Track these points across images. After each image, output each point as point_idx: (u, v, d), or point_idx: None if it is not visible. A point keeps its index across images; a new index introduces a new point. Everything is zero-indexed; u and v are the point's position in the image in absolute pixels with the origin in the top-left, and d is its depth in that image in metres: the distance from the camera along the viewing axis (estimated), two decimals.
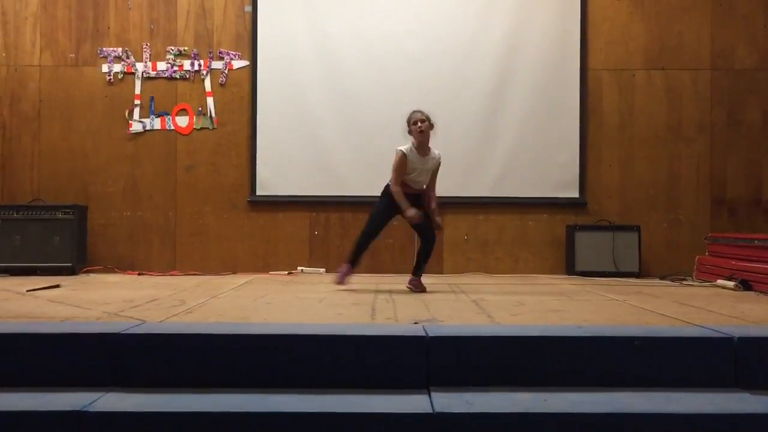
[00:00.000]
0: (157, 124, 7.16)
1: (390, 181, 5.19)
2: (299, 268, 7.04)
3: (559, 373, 3.02)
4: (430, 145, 5.26)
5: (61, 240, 6.52)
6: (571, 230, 6.96)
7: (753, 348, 3.08)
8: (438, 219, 5.37)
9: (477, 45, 7.16)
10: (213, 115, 7.16)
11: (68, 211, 6.61)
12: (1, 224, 6.51)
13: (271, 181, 7.15)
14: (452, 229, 7.19)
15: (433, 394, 2.87)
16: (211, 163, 7.17)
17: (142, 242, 7.12)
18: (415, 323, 3.49)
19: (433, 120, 5.24)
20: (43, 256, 6.47)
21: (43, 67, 7.15)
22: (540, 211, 7.19)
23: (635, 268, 6.80)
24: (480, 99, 7.16)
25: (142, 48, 7.16)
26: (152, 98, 7.15)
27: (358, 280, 6.22)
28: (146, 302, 4.37)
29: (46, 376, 2.98)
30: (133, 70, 7.15)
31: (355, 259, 5.31)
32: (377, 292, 5.17)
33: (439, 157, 5.31)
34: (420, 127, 5.15)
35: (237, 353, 3.03)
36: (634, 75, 7.20)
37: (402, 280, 6.21)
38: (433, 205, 5.35)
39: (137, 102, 7.15)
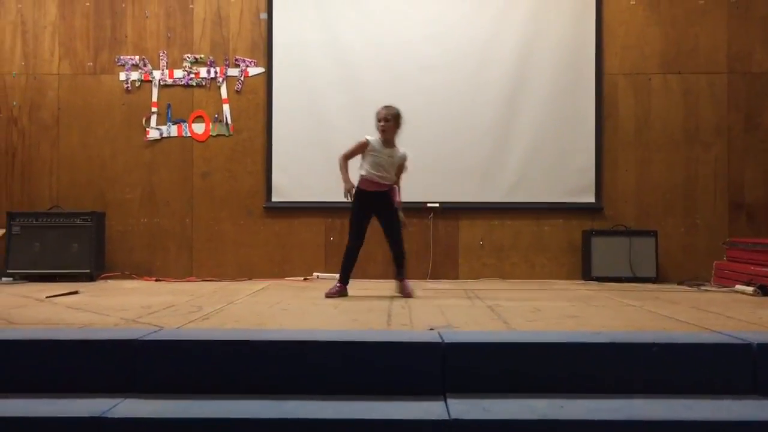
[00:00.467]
0: (173, 131, 7.21)
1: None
2: (315, 274, 7.06)
3: (575, 379, 3.01)
4: (396, 145, 5.28)
5: (80, 247, 6.58)
6: (588, 235, 6.92)
7: None
8: (401, 215, 5.33)
9: (492, 50, 7.16)
10: (229, 121, 7.21)
11: (86, 218, 6.67)
12: (21, 231, 6.59)
13: (287, 187, 7.18)
14: (468, 234, 7.18)
15: (449, 400, 2.87)
16: (227, 169, 7.21)
17: (159, 249, 7.17)
18: (431, 329, 3.49)
19: (401, 120, 5.27)
20: (62, 262, 6.53)
21: (61, 75, 7.23)
22: (556, 216, 7.17)
23: (652, 274, 6.75)
24: (495, 104, 7.15)
25: (159, 56, 7.23)
26: (169, 105, 7.21)
27: (373, 286, 6.24)
28: (163, 308, 4.40)
29: (64, 383, 3.01)
30: (150, 78, 7.22)
31: (346, 277, 5.28)
32: (392, 298, 5.18)
33: (405, 155, 5.31)
34: (382, 126, 5.18)
35: (253, 359, 3.04)
36: (650, 79, 7.17)
37: (417, 286, 6.21)
38: (398, 198, 5.33)
39: (154, 109, 7.21)
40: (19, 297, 5.06)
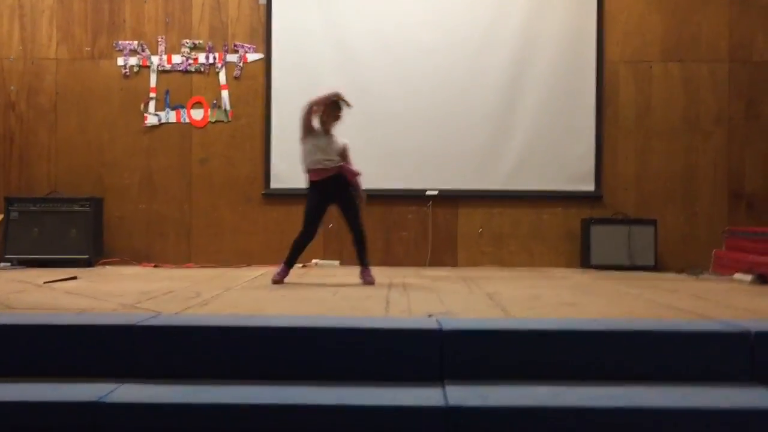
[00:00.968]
0: (172, 117, 7.19)
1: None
2: (314, 260, 7.05)
3: (574, 367, 3.01)
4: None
5: (78, 232, 6.57)
6: (587, 223, 6.92)
7: None
8: (361, 191, 5.24)
9: (493, 36, 7.12)
10: (228, 108, 7.18)
11: (85, 203, 6.66)
12: (19, 217, 6.58)
13: (286, 174, 7.14)
14: (466, 222, 7.17)
15: (447, 387, 2.87)
16: (225, 156, 7.19)
17: (157, 234, 7.16)
18: (430, 316, 3.48)
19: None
20: (60, 248, 6.53)
21: (59, 60, 7.20)
22: (555, 204, 7.16)
23: (651, 262, 6.75)
24: (495, 91, 7.12)
25: (157, 41, 7.18)
26: (167, 91, 7.18)
27: (372, 273, 6.23)
28: (162, 294, 4.39)
29: (63, 367, 3.01)
30: (148, 64, 7.18)
31: (292, 260, 5.18)
32: (391, 285, 5.17)
33: (346, 143, 5.31)
34: (340, 119, 5.22)
35: (252, 345, 3.04)
36: (651, 67, 7.14)
37: (416, 273, 6.22)
38: (353, 170, 5.23)
39: (153, 95, 7.18)
40: (17, 282, 5.06)
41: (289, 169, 7.14)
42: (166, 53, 7.18)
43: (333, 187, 5.13)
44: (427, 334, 3.06)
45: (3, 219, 6.61)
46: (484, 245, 7.17)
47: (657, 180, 7.13)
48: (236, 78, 7.19)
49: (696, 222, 7.10)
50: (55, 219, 6.58)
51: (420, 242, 7.14)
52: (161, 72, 7.18)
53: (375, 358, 3.02)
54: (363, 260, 5.23)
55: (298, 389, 2.84)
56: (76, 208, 6.63)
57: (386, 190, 7.10)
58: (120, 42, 7.18)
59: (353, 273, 6.12)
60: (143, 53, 7.17)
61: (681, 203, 7.12)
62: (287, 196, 7.13)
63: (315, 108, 5.11)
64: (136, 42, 7.18)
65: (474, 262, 7.10)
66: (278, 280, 5.08)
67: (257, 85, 7.19)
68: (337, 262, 7.07)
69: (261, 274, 5.93)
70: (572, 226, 7.11)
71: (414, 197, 7.14)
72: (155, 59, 7.17)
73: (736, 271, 5.94)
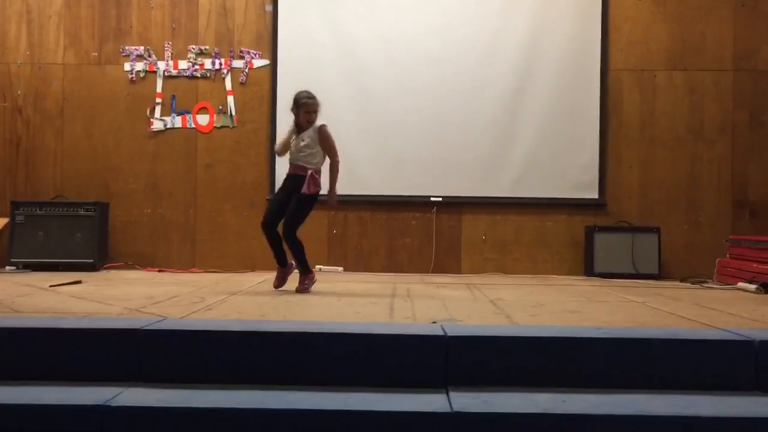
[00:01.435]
0: (178, 122, 7.22)
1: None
2: (317, 266, 7.05)
3: (577, 374, 3.01)
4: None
5: (83, 236, 6.60)
6: (590, 231, 6.92)
7: None
8: (332, 192, 5.09)
9: (497, 45, 7.15)
10: (233, 113, 7.21)
11: (90, 208, 6.68)
12: (25, 220, 6.60)
13: None
14: (470, 229, 7.18)
15: (451, 393, 2.88)
16: (230, 161, 7.21)
17: (162, 239, 7.18)
18: (434, 323, 3.50)
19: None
20: (66, 252, 6.55)
21: (66, 65, 7.24)
22: (559, 212, 7.16)
23: (655, 270, 6.75)
24: (500, 99, 7.14)
25: (164, 47, 7.22)
26: (173, 97, 7.21)
27: (375, 279, 6.25)
28: (167, 299, 4.41)
29: (69, 371, 3.02)
30: (155, 69, 7.22)
31: (277, 260, 5.12)
32: (395, 291, 5.18)
33: (318, 125, 5.00)
34: (311, 118, 4.97)
35: (256, 350, 3.05)
36: (655, 75, 7.15)
37: (420, 279, 6.23)
38: (332, 175, 5.07)
39: (159, 100, 7.21)
40: (23, 286, 5.08)
41: None
42: (172, 59, 7.22)
43: (291, 183, 5.01)
44: (431, 340, 3.07)
45: (9, 223, 6.63)
46: (487, 252, 7.17)
47: (661, 188, 7.13)
48: (242, 84, 7.22)
49: (700, 230, 7.10)
50: (61, 223, 6.61)
51: (424, 249, 7.15)
52: (167, 77, 7.22)
53: (379, 363, 3.03)
54: (297, 268, 5.06)
55: (302, 394, 2.85)
56: (82, 212, 6.65)
57: (391, 197, 7.13)
58: (127, 47, 7.22)
59: (357, 279, 6.15)
60: (150, 59, 7.21)
61: (685, 212, 7.12)
62: None
63: (292, 110, 5.07)
64: (142, 47, 7.22)
65: (478, 269, 7.11)
66: (276, 285, 5.11)
67: (263, 91, 7.22)
68: (340, 268, 7.08)
69: (265, 280, 5.94)
70: (576, 233, 7.11)
71: (418, 204, 7.15)
72: (162, 65, 7.21)
73: (740, 280, 5.94)
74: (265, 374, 3.01)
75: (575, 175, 7.13)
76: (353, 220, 7.19)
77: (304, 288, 4.95)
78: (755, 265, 5.98)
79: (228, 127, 7.22)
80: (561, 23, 7.15)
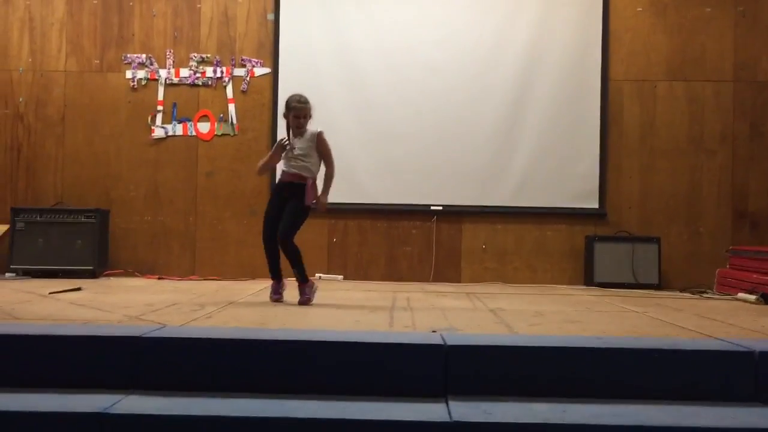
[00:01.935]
0: (179, 130, 7.23)
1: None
2: (317, 274, 7.06)
3: (578, 384, 3.01)
4: (308, 127, 4.86)
5: (83, 243, 6.60)
6: (591, 241, 6.93)
7: None
8: (322, 198, 4.85)
9: (498, 55, 7.17)
10: (234, 121, 7.22)
11: (90, 215, 6.69)
12: (25, 227, 6.60)
13: None
14: (470, 238, 7.18)
15: (450, 402, 2.87)
16: (231, 169, 7.22)
17: (162, 247, 7.18)
18: (434, 332, 3.49)
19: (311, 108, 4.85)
20: (66, 259, 6.55)
21: (68, 72, 7.26)
22: (559, 222, 7.17)
23: (655, 280, 6.75)
24: (500, 109, 7.16)
25: (165, 55, 7.24)
26: (175, 104, 7.23)
27: (375, 287, 6.25)
28: (166, 306, 4.41)
29: (67, 378, 3.01)
30: (156, 77, 7.24)
31: (271, 272, 4.92)
32: (395, 299, 5.18)
33: (316, 131, 4.84)
34: (300, 123, 4.78)
35: (256, 358, 3.05)
36: (655, 86, 7.17)
37: (419, 288, 6.23)
38: (326, 180, 4.91)
39: (160, 108, 7.23)
40: (22, 293, 5.08)
41: None
42: (174, 67, 7.24)
43: (286, 190, 4.81)
44: (431, 349, 3.07)
45: (9, 229, 6.63)
46: (487, 261, 7.17)
47: (661, 198, 7.14)
48: (243, 92, 7.24)
49: (700, 241, 7.10)
50: (61, 230, 6.61)
51: (424, 258, 7.15)
52: (169, 85, 7.24)
53: (379, 372, 3.02)
54: (296, 277, 4.84)
55: (302, 403, 2.84)
56: (82, 219, 6.66)
57: (391, 206, 7.14)
58: (128, 55, 7.24)
59: (357, 287, 6.15)
60: (151, 66, 7.23)
61: (685, 222, 7.12)
62: None
63: (284, 115, 4.91)
64: (144, 55, 7.24)
65: (477, 278, 7.10)
66: (274, 299, 4.90)
67: (264, 100, 7.23)
68: (340, 277, 7.08)
69: (265, 288, 5.92)
70: (576, 243, 7.12)
71: (418, 213, 7.16)
72: (163, 72, 7.23)
73: (740, 291, 5.94)
74: (265, 382, 3.01)
75: (575, 185, 7.14)
76: (353, 228, 7.19)
77: (306, 299, 4.71)
78: (755, 276, 5.98)
79: (229, 135, 7.23)
80: (561, 33, 7.17)
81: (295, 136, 4.85)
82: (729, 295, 6.13)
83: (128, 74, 7.24)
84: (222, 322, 3.77)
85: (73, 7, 7.25)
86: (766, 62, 7.13)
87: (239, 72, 7.24)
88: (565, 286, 6.94)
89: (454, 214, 7.16)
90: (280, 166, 5.04)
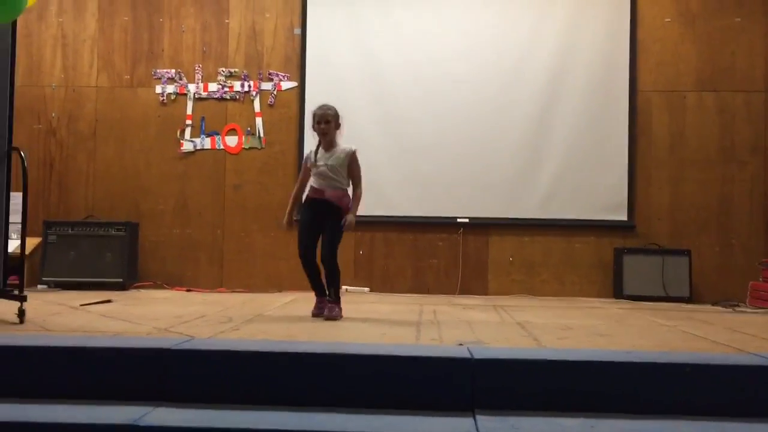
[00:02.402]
0: (207, 143, 7.31)
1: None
2: (344, 287, 7.05)
3: (607, 399, 2.97)
4: (339, 142, 4.81)
5: (113, 256, 6.68)
6: (619, 253, 6.85)
7: None
8: (349, 217, 4.72)
9: (525, 66, 7.15)
10: (261, 134, 7.29)
11: (120, 228, 6.78)
12: (57, 240, 6.71)
13: None
14: (497, 250, 7.14)
15: (478, 417, 2.85)
16: (258, 182, 7.28)
17: (190, 259, 7.25)
18: (461, 345, 3.47)
19: (341, 118, 4.80)
20: (96, 271, 6.63)
21: (99, 88, 7.39)
22: (587, 234, 7.10)
23: (686, 293, 6.65)
24: (527, 120, 7.13)
25: (194, 69, 7.34)
26: (203, 118, 7.32)
27: (402, 300, 6.24)
28: (194, 318, 4.44)
29: (98, 390, 3.05)
30: (185, 91, 7.34)
31: (316, 289, 4.82)
32: (421, 312, 5.17)
33: (350, 151, 4.77)
34: (322, 128, 4.73)
35: (283, 371, 3.05)
36: (685, 97, 7.09)
37: (446, 301, 6.20)
38: (351, 206, 4.80)
39: (189, 122, 7.32)
40: (54, 305, 5.15)
41: None
42: (202, 81, 7.33)
43: (319, 207, 4.75)
44: (457, 362, 3.05)
45: (41, 242, 6.75)
46: (515, 273, 7.12)
47: (691, 210, 7.04)
48: (270, 106, 7.30)
49: (732, 253, 6.98)
50: (92, 243, 6.71)
51: (450, 270, 7.12)
52: (197, 99, 7.33)
53: (405, 386, 3.01)
54: (327, 294, 4.74)
55: (328, 416, 2.84)
56: (112, 232, 6.75)
57: (417, 218, 7.13)
58: (158, 70, 7.36)
59: (383, 300, 6.15)
60: (180, 81, 7.33)
61: (716, 234, 7.01)
62: None
63: (313, 127, 4.86)
64: (173, 70, 7.35)
65: (505, 291, 7.06)
66: (315, 314, 4.79)
67: (291, 113, 7.29)
68: (366, 289, 7.08)
69: (292, 300, 5.96)
70: (605, 255, 7.04)
71: (445, 225, 7.14)
72: (192, 87, 7.33)
73: None
74: (292, 395, 3.01)
75: (604, 197, 7.08)
76: (379, 241, 7.20)
77: (335, 315, 4.62)
78: None
79: (256, 148, 7.30)
80: (589, 44, 7.14)
81: (324, 148, 4.80)
82: (762, 308, 6.01)
83: (158, 89, 7.35)
84: (249, 335, 3.79)
85: (104, 24, 7.40)
86: None
87: (266, 86, 7.31)
88: (593, 298, 6.87)
89: (481, 226, 7.13)
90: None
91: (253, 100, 7.32)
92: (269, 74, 7.32)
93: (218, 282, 7.18)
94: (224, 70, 7.33)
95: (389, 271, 7.19)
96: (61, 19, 7.41)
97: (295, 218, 5.00)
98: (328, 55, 7.27)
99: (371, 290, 7.07)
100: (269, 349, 3.19)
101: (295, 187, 5.09)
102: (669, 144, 7.09)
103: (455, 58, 7.20)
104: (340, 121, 4.82)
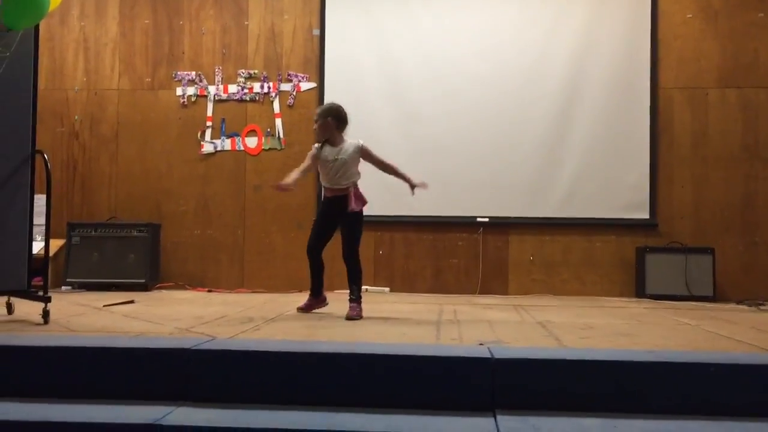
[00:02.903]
0: (227, 144, 7.36)
1: None
2: (364, 287, 7.04)
3: (629, 399, 2.94)
4: (344, 137, 4.86)
5: (136, 257, 6.74)
6: (642, 252, 6.79)
7: None
8: (415, 182, 4.95)
9: (544, 65, 7.11)
10: (281, 135, 7.32)
11: (143, 229, 6.84)
12: (80, 241, 6.79)
13: None
14: (517, 249, 7.11)
15: (498, 417, 2.84)
16: (278, 182, 7.29)
17: (211, 260, 7.30)
18: (481, 344, 3.46)
19: (337, 113, 4.82)
20: (119, 272, 6.70)
21: (121, 90, 7.46)
22: (608, 232, 7.05)
23: (710, 292, 6.57)
24: (546, 118, 7.09)
25: (214, 71, 7.39)
26: (223, 120, 7.37)
27: (421, 300, 6.23)
28: (215, 319, 4.47)
29: (121, 389, 3.08)
30: (205, 93, 7.39)
31: (313, 289, 4.93)
32: (441, 312, 5.16)
33: (357, 145, 4.83)
34: (314, 129, 4.89)
35: (304, 371, 3.06)
36: (707, 93, 7.02)
37: (466, 301, 6.19)
38: (397, 173, 4.97)
39: (209, 124, 7.37)
40: (77, 305, 5.21)
41: None
42: (222, 83, 7.38)
43: (334, 206, 4.82)
44: (478, 362, 3.04)
45: (65, 244, 6.83)
46: (535, 273, 7.09)
47: (715, 208, 6.96)
48: (290, 106, 7.33)
49: (756, 251, 6.89)
50: (115, 244, 6.78)
51: (470, 270, 7.11)
52: (218, 101, 7.38)
53: (426, 385, 3.00)
54: (351, 293, 4.76)
55: (349, 416, 2.84)
56: (135, 233, 6.81)
57: (437, 218, 7.12)
58: (179, 73, 7.41)
59: (403, 300, 6.14)
60: (201, 83, 7.39)
61: (740, 232, 6.92)
62: None
63: None
64: (194, 73, 7.40)
65: (525, 290, 7.03)
66: (302, 308, 4.92)
67: (310, 114, 7.27)
68: (387, 289, 7.08)
69: None
70: (626, 254, 6.98)
71: (465, 224, 7.13)
72: (212, 89, 7.38)
73: None
74: (313, 395, 3.02)
75: (625, 195, 7.02)
76: (399, 240, 7.20)
77: (356, 315, 4.61)
78: None
79: (276, 149, 7.33)
80: (609, 42, 7.08)
81: (330, 144, 4.83)
82: None
83: (178, 91, 7.41)
84: (270, 335, 3.81)
85: (125, 28, 7.47)
86: None
87: (286, 87, 7.34)
88: (615, 298, 6.81)
89: (501, 225, 7.11)
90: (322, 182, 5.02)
91: (272, 102, 7.35)
92: (288, 75, 7.35)
93: (239, 282, 7.22)
94: (244, 71, 7.37)
95: (409, 271, 7.18)
96: (83, 23, 7.50)
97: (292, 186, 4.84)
98: (347, 56, 7.28)
99: (391, 290, 7.07)
100: (290, 349, 3.20)
101: (300, 167, 4.97)
102: (691, 141, 7.02)
103: (474, 58, 7.17)
104: (330, 120, 4.81)
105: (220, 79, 7.39)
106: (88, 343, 3.36)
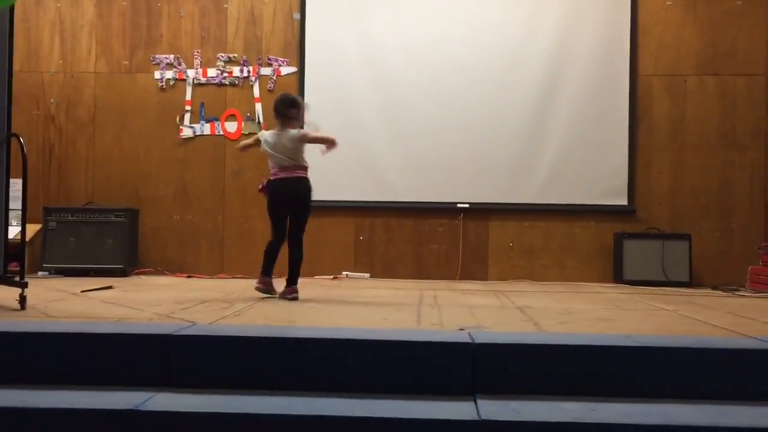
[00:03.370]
0: (206, 129, 7.29)
1: None
2: (344, 273, 7.08)
3: (607, 382, 2.98)
4: (289, 128, 5.09)
5: (114, 242, 6.68)
6: (620, 238, 6.85)
7: None
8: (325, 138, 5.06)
9: (525, 50, 7.12)
10: (261, 120, 7.27)
11: (121, 214, 6.78)
12: (57, 226, 6.71)
13: (317, 186, 7.12)
14: (498, 235, 7.14)
15: (479, 401, 2.86)
16: (258, 168, 7.24)
17: (191, 245, 7.25)
18: (461, 330, 3.48)
19: (287, 103, 5.15)
20: (96, 257, 6.64)
21: (98, 73, 7.35)
22: (587, 218, 7.10)
23: (686, 278, 6.66)
24: (527, 105, 7.11)
25: (193, 55, 7.31)
26: (202, 104, 7.30)
27: (402, 285, 6.24)
28: (196, 304, 4.45)
29: (99, 375, 3.06)
30: (184, 77, 7.31)
31: (264, 268, 5.06)
32: (422, 297, 5.17)
33: (297, 131, 5.07)
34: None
35: (284, 356, 3.06)
36: (686, 81, 7.07)
37: (446, 286, 6.21)
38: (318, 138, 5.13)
39: (188, 108, 7.30)
40: (55, 291, 5.16)
41: (320, 181, 7.16)
42: (201, 67, 7.30)
43: (282, 190, 5.10)
44: (458, 347, 3.06)
45: (41, 229, 6.74)
46: (515, 259, 7.13)
47: (692, 194, 7.04)
48: (270, 91, 7.27)
49: (732, 237, 6.98)
50: (92, 229, 6.71)
51: (451, 255, 7.13)
52: (196, 85, 7.30)
53: (406, 370, 3.02)
54: (289, 279, 4.95)
55: (329, 400, 2.85)
56: (113, 218, 6.75)
57: (417, 203, 7.13)
58: (157, 56, 7.32)
59: (384, 285, 6.16)
60: (179, 67, 7.30)
61: (716, 218, 7.01)
62: (318, 208, 7.11)
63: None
64: (172, 56, 7.31)
65: (505, 276, 7.07)
66: (258, 287, 4.98)
67: None
68: (367, 275, 7.09)
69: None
70: (605, 240, 7.04)
71: (445, 210, 7.14)
72: (191, 72, 7.30)
73: None
74: (293, 380, 3.02)
75: (604, 181, 7.07)
76: (380, 226, 7.20)
77: (295, 297, 4.83)
78: None
79: (255, 133, 7.26)
80: (589, 28, 7.10)
81: (276, 130, 5.09)
82: (762, 292, 6.02)
83: (157, 75, 7.32)
84: (250, 320, 3.80)
85: (102, 9, 7.35)
86: None
87: (266, 71, 7.28)
88: (594, 283, 6.88)
89: (481, 211, 7.13)
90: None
91: (252, 86, 7.29)
92: (268, 59, 7.29)
93: (219, 268, 7.19)
94: (223, 55, 7.30)
95: (390, 256, 7.19)
96: (59, 4, 7.36)
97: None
98: (328, 40, 7.23)
99: (372, 276, 7.08)
100: (271, 335, 3.20)
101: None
102: (670, 128, 7.08)
103: (455, 43, 7.16)
104: (288, 111, 5.10)
105: (199, 62, 7.31)
106: (66, 329, 3.34)
